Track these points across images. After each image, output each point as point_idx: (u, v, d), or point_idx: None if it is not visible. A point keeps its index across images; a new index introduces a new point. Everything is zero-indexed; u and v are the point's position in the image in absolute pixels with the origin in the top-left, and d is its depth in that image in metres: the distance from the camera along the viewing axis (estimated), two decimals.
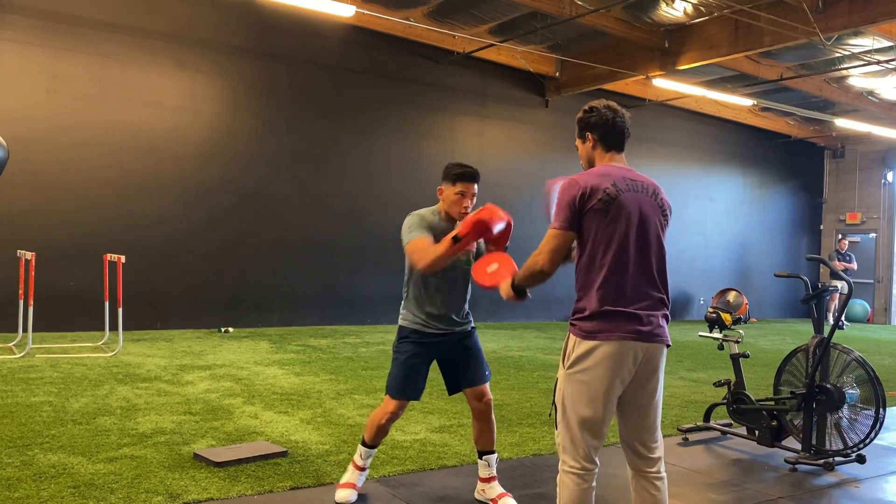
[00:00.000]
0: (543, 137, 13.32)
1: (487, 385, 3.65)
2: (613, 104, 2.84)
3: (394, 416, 3.56)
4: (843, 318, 14.84)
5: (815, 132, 16.47)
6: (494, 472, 3.74)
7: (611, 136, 2.77)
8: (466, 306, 3.69)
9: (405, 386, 3.53)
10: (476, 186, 3.54)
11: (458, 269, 3.56)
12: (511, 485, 3.97)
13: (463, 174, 3.50)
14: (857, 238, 17.03)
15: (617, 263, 2.57)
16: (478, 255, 3.62)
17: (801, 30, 9.23)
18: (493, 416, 3.70)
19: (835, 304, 14.15)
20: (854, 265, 14.94)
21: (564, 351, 2.71)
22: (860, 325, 15.26)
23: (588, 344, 2.58)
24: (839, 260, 14.75)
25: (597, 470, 2.69)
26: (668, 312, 2.67)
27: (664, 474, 2.74)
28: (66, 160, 9.25)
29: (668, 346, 2.68)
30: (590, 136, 2.81)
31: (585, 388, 2.60)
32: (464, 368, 3.62)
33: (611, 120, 2.76)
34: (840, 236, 16.02)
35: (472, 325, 3.72)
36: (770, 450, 4.86)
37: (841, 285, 14.48)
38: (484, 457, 3.72)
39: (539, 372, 7.60)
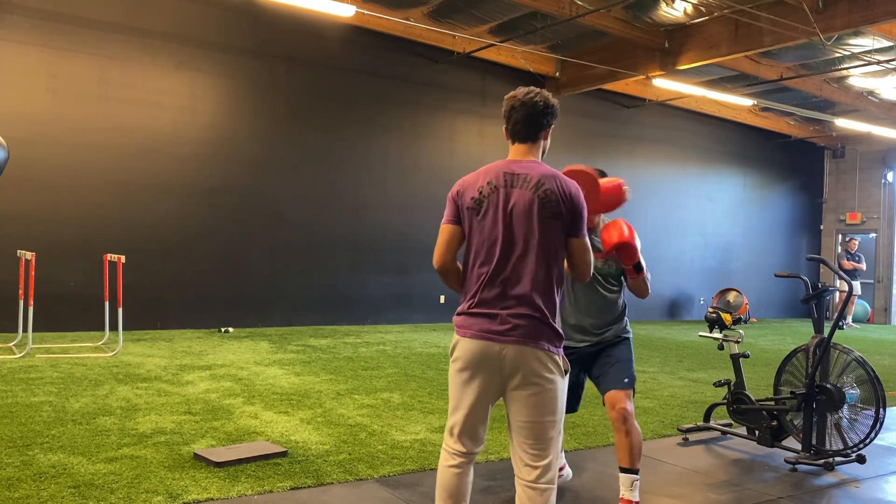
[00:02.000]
0: None
1: (625, 393, 3.49)
2: (522, 90, 2.69)
3: None
4: (849, 318, 14.88)
5: (815, 132, 16.47)
6: (634, 497, 3.44)
7: (509, 126, 2.69)
8: (609, 316, 3.63)
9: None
10: None
11: (593, 278, 3.55)
12: (511, 485, 3.97)
13: None
14: (857, 238, 17.02)
15: (483, 263, 2.57)
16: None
17: (801, 30, 9.23)
18: (634, 430, 3.46)
19: (845, 305, 14.15)
20: (863, 265, 14.98)
21: None
22: (860, 325, 15.26)
23: (455, 339, 2.64)
24: (848, 260, 14.76)
25: (467, 455, 2.68)
26: (542, 312, 2.53)
27: (546, 489, 2.56)
28: (66, 160, 9.25)
29: (542, 349, 2.52)
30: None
31: (452, 378, 2.67)
32: (602, 376, 3.60)
33: (507, 110, 2.68)
34: (849, 237, 16.02)
35: (622, 335, 3.66)
36: (770, 450, 4.86)
37: (854, 285, 14.53)
38: (621, 474, 3.49)
39: None
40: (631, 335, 3.73)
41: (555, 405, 2.56)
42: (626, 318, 3.72)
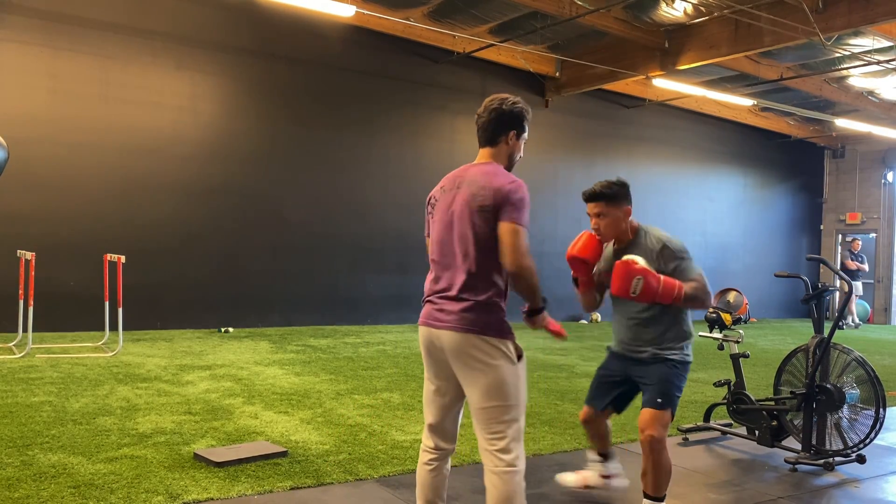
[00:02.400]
0: (543, 137, 13.31)
1: (654, 415, 3.33)
2: (490, 98, 2.85)
3: (586, 423, 3.72)
4: (854, 317, 14.89)
5: (815, 132, 16.47)
6: None
7: (477, 131, 2.88)
8: (644, 336, 3.52)
9: (589, 392, 3.74)
10: (601, 206, 3.47)
11: (632, 306, 3.53)
12: None
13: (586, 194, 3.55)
14: (859, 238, 17.02)
15: (434, 260, 2.84)
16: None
17: (801, 30, 9.23)
18: (658, 457, 3.30)
19: (845, 305, 14.21)
20: (866, 266, 15.00)
21: None
22: (860, 325, 15.25)
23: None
24: (852, 260, 14.77)
25: (437, 451, 2.84)
26: (478, 301, 2.67)
27: (507, 471, 2.62)
28: (66, 160, 9.25)
29: (477, 335, 2.64)
30: None
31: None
32: (633, 394, 3.64)
33: (476, 116, 2.88)
34: (851, 237, 16.03)
35: (664, 356, 3.48)
36: (770, 450, 4.86)
37: (855, 285, 14.61)
38: (644, 499, 3.40)
39: (539, 372, 7.60)
40: (678, 358, 3.50)
41: (501, 391, 2.65)
42: (673, 341, 3.52)
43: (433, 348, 2.77)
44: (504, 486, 2.61)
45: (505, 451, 2.63)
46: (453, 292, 2.71)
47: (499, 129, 2.80)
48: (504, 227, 2.64)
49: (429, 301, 2.81)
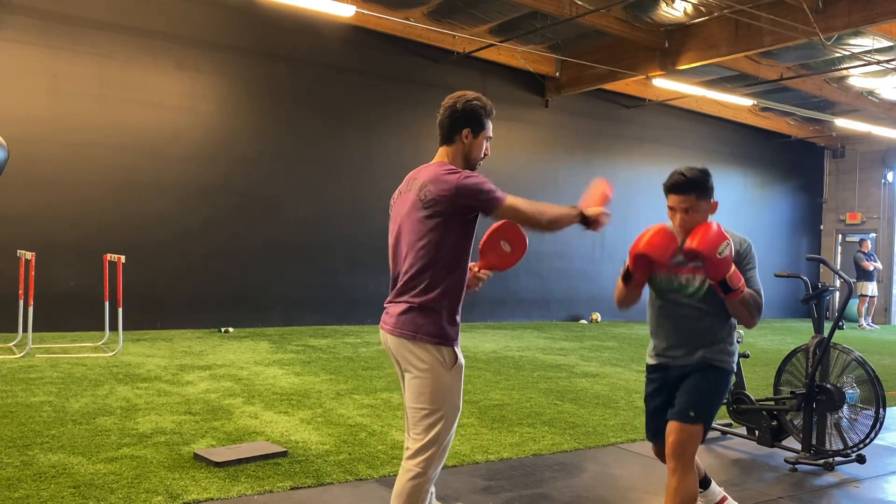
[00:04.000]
0: (543, 137, 13.32)
1: (682, 427, 2.93)
2: (450, 95, 2.82)
3: (660, 458, 3.22)
4: (869, 318, 14.94)
5: (815, 132, 16.46)
6: None
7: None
8: (703, 332, 3.04)
9: (647, 427, 3.25)
10: (692, 199, 2.98)
11: (684, 296, 3.05)
12: (511, 485, 3.97)
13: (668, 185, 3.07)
14: (857, 238, 17.03)
15: (390, 263, 2.84)
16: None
17: (801, 30, 9.23)
18: (682, 477, 2.89)
19: (864, 307, 14.43)
20: (880, 265, 15.08)
21: None
22: (852, 325, 15.25)
23: None
24: (867, 260, 14.80)
25: (407, 451, 2.71)
26: (412, 304, 2.64)
27: (410, 470, 2.63)
28: (66, 160, 9.25)
29: (412, 340, 2.62)
30: None
31: None
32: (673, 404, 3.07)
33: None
34: (861, 238, 16.04)
35: (712, 362, 3.03)
36: (770, 450, 4.86)
37: (871, 286, 14.65)
38: None
39: (539, 372, 7.60)
40: (727, 367, 3.05)
41: (427, 396, 2.62)
42: (723, 343, 3.05)
43: (387, 350, 2.81)
44: (400, 483, 2.65)
45: (416, 453, 2.63)
46: (394, 295, 2.74)
47: (454, 127, 2.76)
48: (499, 214, 2.66)
49: (386, 304, 2.83)
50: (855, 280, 14.26)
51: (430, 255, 2.62)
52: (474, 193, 2.60)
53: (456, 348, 2.66)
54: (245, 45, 10.47)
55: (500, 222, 2.92)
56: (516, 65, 12.38)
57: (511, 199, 2.66)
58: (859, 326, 14.67)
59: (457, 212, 2.61)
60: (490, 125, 2.81)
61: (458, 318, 2.71)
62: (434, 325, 2.62)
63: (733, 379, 3.17)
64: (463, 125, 2.75)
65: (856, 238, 16.96)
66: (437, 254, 2.62)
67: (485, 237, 2.97)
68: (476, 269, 2.93)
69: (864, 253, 15.00)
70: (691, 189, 2.95)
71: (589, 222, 2.76)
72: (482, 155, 2.82)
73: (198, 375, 6.62)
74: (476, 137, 2.77)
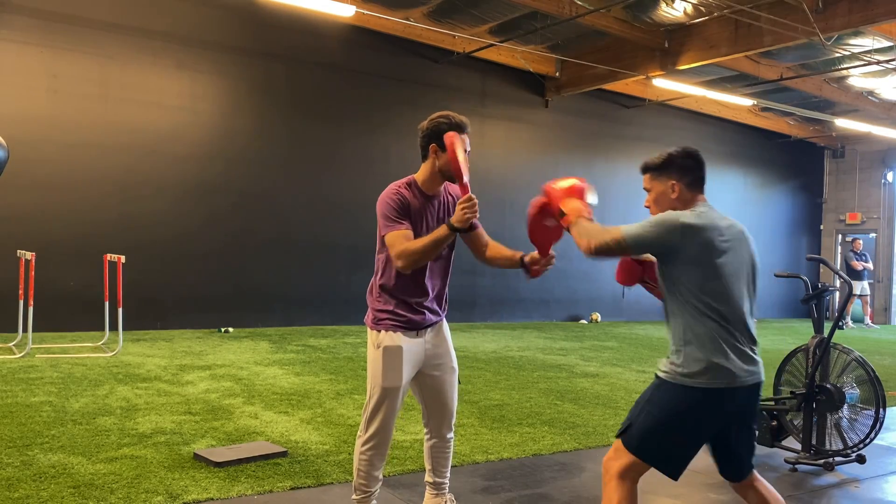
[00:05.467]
0: (543, 137, 13.32)
1: (615, 443, 2.68)
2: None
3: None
4: (868, 318, 14.94)
5: (815, 132, 16.46)
6: None
7: None
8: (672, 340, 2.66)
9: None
10: (646, 179, 2.92)
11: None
12: (511, 485, 3.97)
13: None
14: (860, 237, 17.03)
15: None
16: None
17: (801, 30, 9.23)
18: (606, 496, 2.61)
19: (851, 306, 14.41)
20: (871, 265, 15.03)
21: None
22: (860, 325, 15.25)
23: None
24: (857, 260, 14.78)
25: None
26: (368, 301, 3.20)
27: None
28: (66, 160, 9.25)
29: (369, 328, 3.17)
30: None
31: None
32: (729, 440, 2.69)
33: None
34: (852, 237, 16.05)
35: (661, 369, 2.64)
36: (770, 450, 4.85)
37: (862, 285, 14.65)
38: None
39: (539, 372, 7.60)
40: (669, 375, 2.58)
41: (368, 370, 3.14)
42: (683, 351, 2.56)
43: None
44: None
45: (362, 421, 3.13)
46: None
47: (424, 145, 3.07)
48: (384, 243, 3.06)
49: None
50: None
51: (376, 255, 3.19)
52: (378, 214, 3.05)
53: (384, 332, 3.09)
54: (245, 45, 10.47)
55: (533, 210, 2.91)
56: (516, 65, 12.38)
57: (391, 237, 2.96)
58: (844, 325, 14.54)
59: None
60: (464, 139, 2.99)
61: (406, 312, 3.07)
62: (371, 312, 3.16)
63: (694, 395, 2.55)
64: (429, 141, 3.04)
65: (860, 237, 16.99)
66: (380, 259, 3.15)
67: (529, 225, 2.97)
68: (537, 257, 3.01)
69: (855, 252, 14.99)
70: (646, 170, 2.94)
71: (526, 269, 3.02)
72: (458, 167, 2.89)
73: (198, 375, 6.62)
74: (444, 151, 2.97)
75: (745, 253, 2.67)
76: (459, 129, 2.98)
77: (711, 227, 2.59)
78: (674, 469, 2.65)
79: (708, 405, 2.54)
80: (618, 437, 2.66)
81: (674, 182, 2.79)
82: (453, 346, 3.27)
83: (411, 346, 3.05)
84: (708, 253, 2.55)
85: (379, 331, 3.06)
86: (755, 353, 2.62)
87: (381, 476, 3.17)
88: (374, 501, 3.17)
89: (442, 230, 2.88)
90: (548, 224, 2.91)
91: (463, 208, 2.83)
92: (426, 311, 3.10)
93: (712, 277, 2.55)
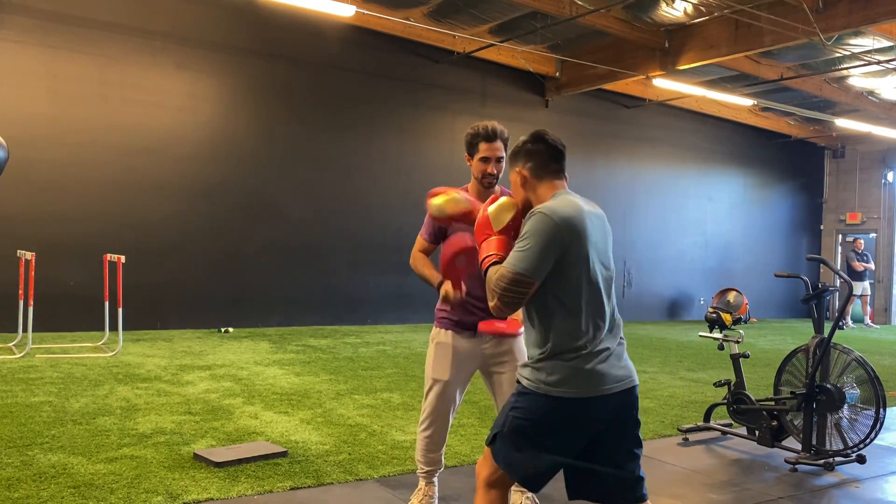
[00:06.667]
0: None
1: (485, 451, 2.55)
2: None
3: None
4: (869, 318, 14.95)
5: (815, 132, 16.46)
6: None
7: None
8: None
9: None
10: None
11: None
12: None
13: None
14: (861, 238, 17.03)
15: None
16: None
17: (801, 30, 9.22)
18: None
19: (844, 306, 14.28)
20: (872, 265, 15.02)
21: None
22: (860, 325, 15.25)
23: None
24: (858, 260, 14.78)
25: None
26: None
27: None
28: (66, 160, 9.24)
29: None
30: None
31: None
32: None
33: None
34: (853, 237, 16.04)
35: (520, 376, 2.53)
36: (770, 450, 4.86)
37: (863, 286, 14.62)
38: None
39: None
40: (530, 385, 2.37)
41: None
42: (544, 357, 2.37)
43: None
44: None
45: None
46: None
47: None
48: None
49: None
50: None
51: None
52: None
53: (439, 328, 3.41)
54: (245, 45, 10.47)
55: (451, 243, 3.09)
56: (516, 65, 12.38)
57: (416, 246, 3.43)
58: (844, 325, 14.52)
59: None
60: (482, 146, 3.19)
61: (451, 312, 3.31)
62: (436, 311, 3.47)
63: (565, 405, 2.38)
64: (466, 152, 3.33)
65: (861, 237, 17.00)
66: None
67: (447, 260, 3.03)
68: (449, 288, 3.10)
69: (856, 252, 14.99)
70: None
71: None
72: (480, 174, 3.23)
73: (198, 375, 6.61)
74: (473, 160, 3.26)
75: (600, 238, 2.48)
76: (480, 137, 3.16)
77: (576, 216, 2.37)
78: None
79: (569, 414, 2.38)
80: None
81: (519, 168, 2.50)
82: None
83: (464, 346, 3.29)
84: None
85: (436, 327, 3.38)
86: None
87: (439, 459, 3.45)
88: (436, 479, 3.47)
89: (434, 278, 3.20)
90: (458, 265, 3.00)
91: (443, 292, 3.12)
92: (482, 314, 3.22)
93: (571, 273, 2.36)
